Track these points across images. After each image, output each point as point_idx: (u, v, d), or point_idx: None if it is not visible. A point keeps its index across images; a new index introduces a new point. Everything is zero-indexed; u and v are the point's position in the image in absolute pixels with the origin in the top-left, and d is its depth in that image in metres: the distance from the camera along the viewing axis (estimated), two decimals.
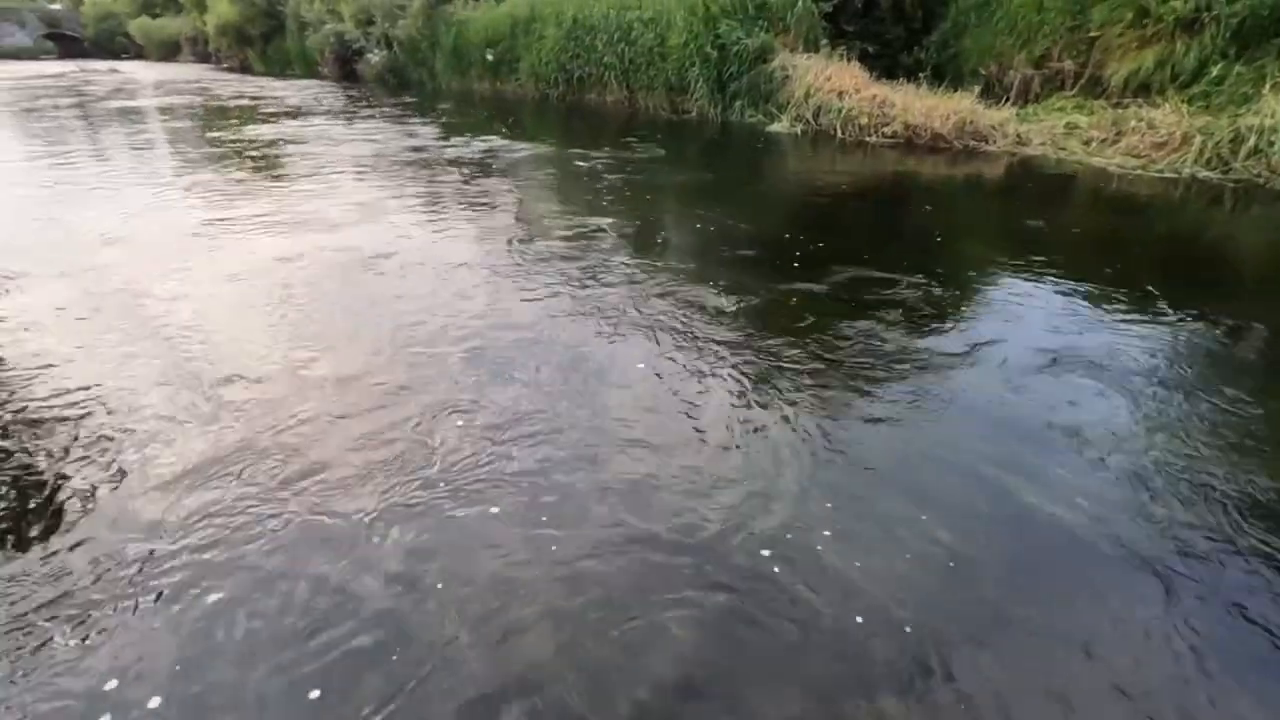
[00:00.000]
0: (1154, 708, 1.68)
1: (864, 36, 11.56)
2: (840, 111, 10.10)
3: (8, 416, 2.91)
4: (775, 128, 10.81)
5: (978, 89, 9.95)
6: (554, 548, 2.16)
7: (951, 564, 2.10)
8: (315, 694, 1.70)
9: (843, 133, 10.03)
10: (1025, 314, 3.93)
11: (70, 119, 13.36)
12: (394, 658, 1.78)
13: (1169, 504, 2.36)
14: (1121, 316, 3.87)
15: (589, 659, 1.79)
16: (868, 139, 9.72)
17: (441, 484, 2.44)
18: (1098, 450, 2.64)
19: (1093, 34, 9.05)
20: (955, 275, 4.61)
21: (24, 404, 3.01)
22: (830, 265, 4.66)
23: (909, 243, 5.56)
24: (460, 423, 2.80)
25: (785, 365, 3.31)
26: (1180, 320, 3.81)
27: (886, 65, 11.24)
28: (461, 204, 6.56)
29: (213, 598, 1.98)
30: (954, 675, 1.74)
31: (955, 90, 9.86)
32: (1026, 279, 4.44)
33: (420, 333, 3.65)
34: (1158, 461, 2.58)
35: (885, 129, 9.65)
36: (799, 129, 10.56)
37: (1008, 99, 9.87)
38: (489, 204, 6.61)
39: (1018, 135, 8.82)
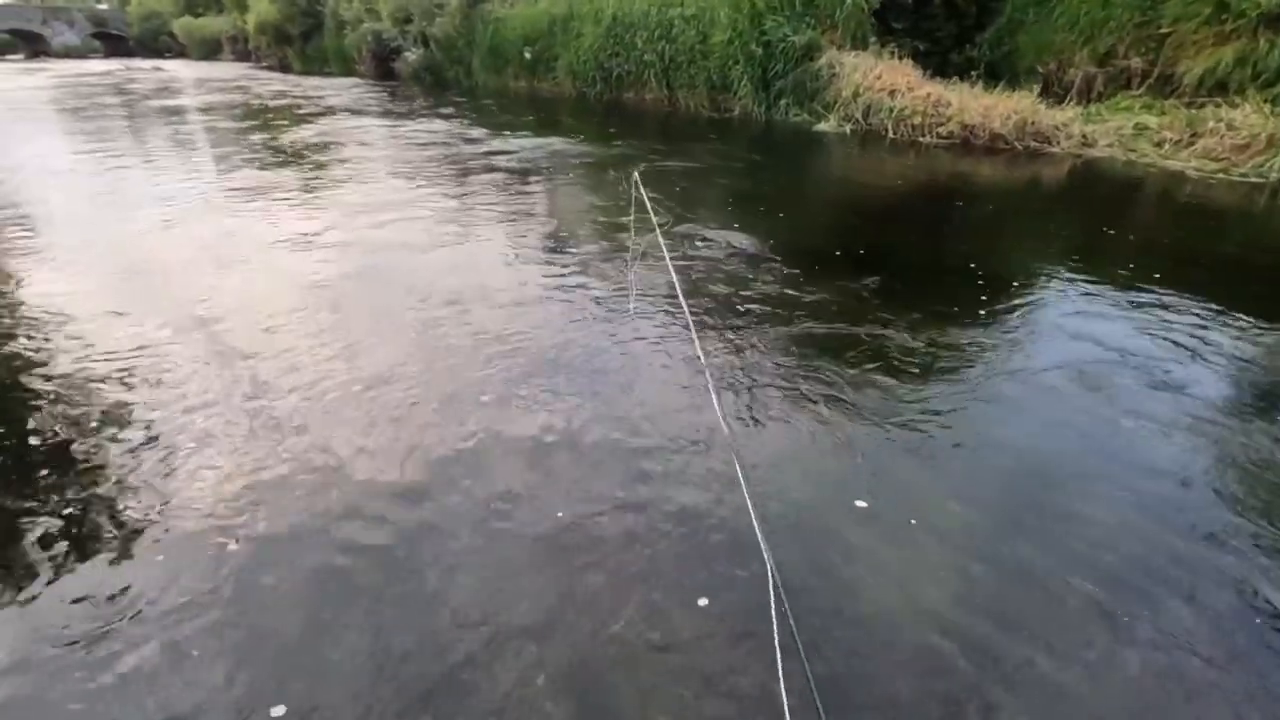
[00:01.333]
0: None
1: (913, 33, 11.22)
2: (891, 111, 9.81)
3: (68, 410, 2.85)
4: (822, 127, 10.54)
5: (1036, 88, 9.57)
6: None
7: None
8: None
9: (894, 133, 9.73)
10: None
11: (117, 117, 13.59)
12: None
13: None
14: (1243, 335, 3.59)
15: None
16: (921, 139, 9.41)
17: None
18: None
19: (1164, 30, 8.63)
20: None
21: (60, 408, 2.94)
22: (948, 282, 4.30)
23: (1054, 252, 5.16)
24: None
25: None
26: None
27: (936, 63, 10.88)
28: (541, 221, 5.96)
29: None
30: None
31: (1010, 89, 9.50)
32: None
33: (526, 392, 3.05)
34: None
35: (940, 129, 9.34)
36: (847, 128, 10.28)
37: (1068, 98, 9.48)
38: (567, 219, 6.02)
39: (1083, 136, 8.45)
